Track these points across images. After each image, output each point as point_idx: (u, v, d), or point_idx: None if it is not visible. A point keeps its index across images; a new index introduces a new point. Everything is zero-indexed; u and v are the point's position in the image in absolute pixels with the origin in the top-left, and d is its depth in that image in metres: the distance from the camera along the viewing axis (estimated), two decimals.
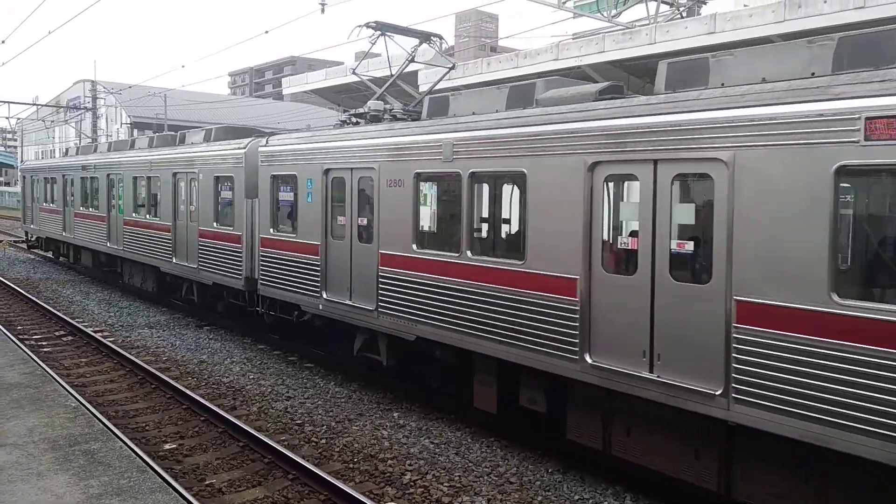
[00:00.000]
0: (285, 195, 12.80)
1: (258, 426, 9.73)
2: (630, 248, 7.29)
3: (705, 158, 6.57)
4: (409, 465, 8.63)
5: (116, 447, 7.20)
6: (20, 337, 14.38)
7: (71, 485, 6.25)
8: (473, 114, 9.66)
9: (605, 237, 7.54)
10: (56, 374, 11.04)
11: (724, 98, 6.53)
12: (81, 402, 9.04)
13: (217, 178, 14.88)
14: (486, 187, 9.22)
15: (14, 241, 37.15)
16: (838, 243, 5.87)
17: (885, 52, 6.03)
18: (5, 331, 13.42)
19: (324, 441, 9.40)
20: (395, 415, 10.48)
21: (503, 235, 9.11)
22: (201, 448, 9.09)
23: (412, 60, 11.93)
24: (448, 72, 12.26)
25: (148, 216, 18.00)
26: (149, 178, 18.01)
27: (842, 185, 5.84)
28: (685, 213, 6.92)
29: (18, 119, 79.63)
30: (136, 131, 68.26)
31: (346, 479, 8.03)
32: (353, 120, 12.24)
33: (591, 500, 7.79)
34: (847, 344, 5.65)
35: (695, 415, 6.73)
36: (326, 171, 11.64)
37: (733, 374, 6.33)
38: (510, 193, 8.87)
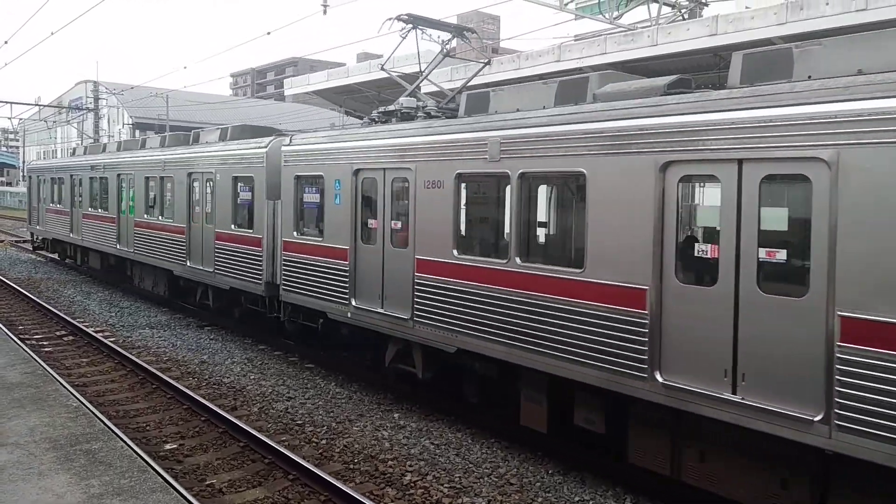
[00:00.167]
0: (310, 196, 12.16)
1: (259, 426, 9.67)
2: (709, 256, 6.64)
3: (801, 158, 5.92)
4: (410, 465, 8.58)
5: (117, 447, 7.18)
6: (21, 337, 14.23)
7: (72, 484, 6.23)
8: (518, 110, 9.03)
9: (679, 244, 6.89)
10: (57, 373, 10.90)
11: (824, 91, 5.88)
12: (82, 402, 8.93)
13: (235, 178, 14.23)
14: (537, 189, 8.58)
15: (15, 241, 36.86)
16: None
17: None
18: (6, 330, 13.24)
19: (324, 442, 9.34)
20: (396, 416, 10.37)
21: (558, 241, 8.45)
22: (202, 448, 9.07)
23: (446, 55, 11.29)
24: (483, 67, 11.62)
25: (161, 217, 17.34)
26: (161, 178, 17.36)
27: None
28: (776, 218, 6.27)
29: (21, 119, 79.19)
30: (137, 132, 67.89)
31: (346, 480, 8.03)
32: (383, 118, 11.62)
33: (591, 502, 7.71)
34: None
35: (782, 441, 6.09)
36: (356, 172, 11.00)
37: (836, 399, 5.68)
38: (566, 195, 8.24)
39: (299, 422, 10.09)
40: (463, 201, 9.32)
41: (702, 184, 7.05)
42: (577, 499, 7.78)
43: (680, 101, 6.89)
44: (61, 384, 9.70)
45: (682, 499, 7.40)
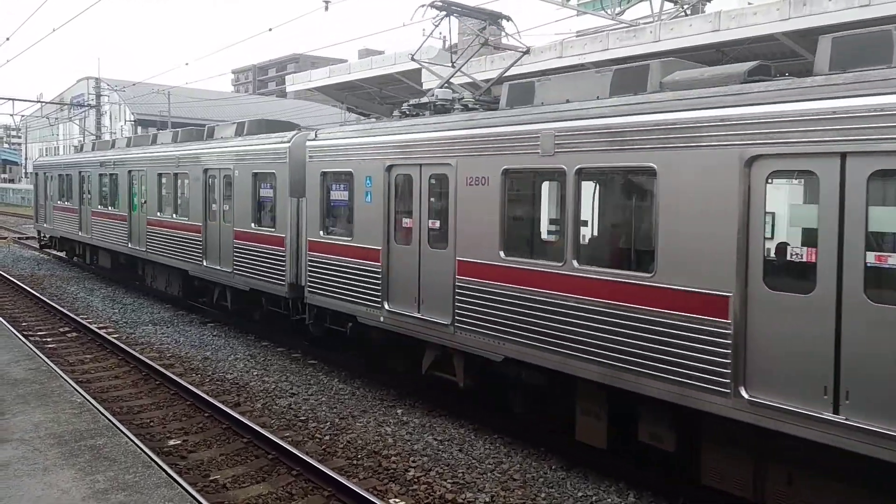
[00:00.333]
0: (338, 194, 11.52)
1: (262, 422, 9.68)
2: (804, 259, 6.00)
3: None
4: (413, 461, 8.56)
5: (122, 442, 7.17)
6: (25, 333, 14.22)
7: (77, 479, 6.23)
8: (567, 101, 8.40)
9: (768, 246, 6.25)
10: (61, 370, 10.91)
11: None
12: (87, 398, 8.95)
13: (256, 174, 13.59)
14: (598, 185, 7.92)
15: (18, 238, 36.73)
16: None
17: None
18: (10, 327, 13.12)
19: (327, 437, 9.34)
20: (399, 411, 10.33)
21: (621, 242, 7.80)
22: (206, 444, 9.09)
23: (485, 44, 10.63)
24: (521, 56, 10.96)
25: (175, 215, 16.70)
26: (175, 174, 16.71)
27: None
28: (888, 219, 5.62)
29: (23, 116, 78.65)
30: (139, 128, 67.46)
31: (349, 476, 8.02)
32: (414, 111, 10.98)
33: (594, 497, 7.67)
34: None
35: (889, 466, 5.46)
36: (389, 168, 10.36)
37: None
38: (632, 192, 7.58)
39: (302, 418, 10.07)
40: (510, 199, 8.68)
41: (796, 180, 6.39)
42: (580, 494, 7.73)
43: (768, 89, 6.24)
44: (65, 380, 9.66)
45: (685, 496, 7.28)
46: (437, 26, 11.14)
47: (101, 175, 21.26)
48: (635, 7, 23.98)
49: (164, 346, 14.15)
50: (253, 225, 13.63)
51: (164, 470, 6.70)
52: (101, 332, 14.76)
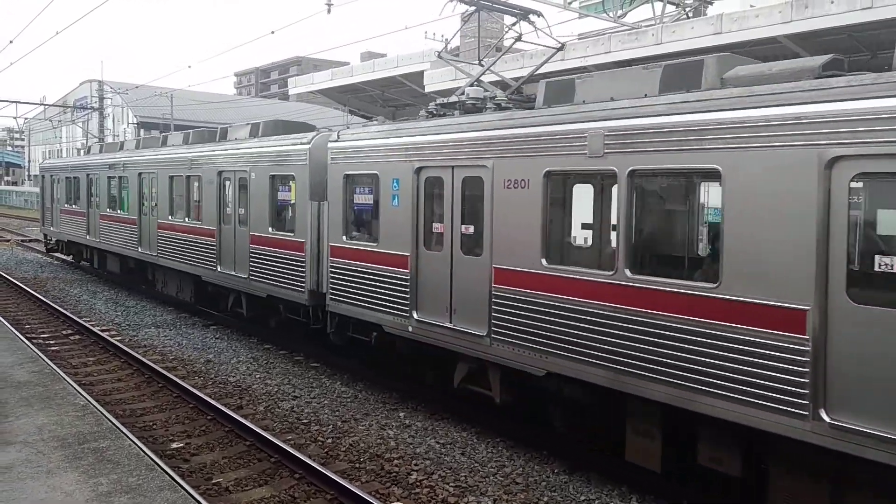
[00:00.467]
0: (362, 198, 11.02)
1: (264, 425, 9.67)
2: (895, 270, 5.49)
3: None
4: (416, 464, 8.55)
5: (125, 445, 7.17)
6: (28, 336, 14.14)
7: (80, 482, 6.23)
8: (612, 99, 7.89)
9: (853, 255, 5.74)
10: (64, 372, 10.84)
11: None
12: (90, 401, 8.91)
13: (273, 177, 13.09)
14: (652, 188, 7.41)
15: (22, 241, 36.46)
16: None
17: None
18: (14, 329, 13.04)
19: (330, 440, 9.32)
20: (401, 414, 10.31)
21: (681, 250, 7.28)
22: (208, 447, 9.08)
23: (519, 39, 10.13)
24: (555, 52, 10.46)
25: (187, 219, 16.19)
26: (188, 177, 16.20)
27: None
28: None
29: (26, 119, 78.33)
30: (142, 131, 67.13)
31: (352, 479, 8.03)
32: (442, 111, 10.48)
33: (597, 501, 7.63)
34: None
35: None
36: (418, 171, 9.86)
37: None
38: (692, 196, 7.08)
39: (305, 421, 10.06)
40: (553, 202, 8.17)
41: (887, 183, 5.87)
42: (582, 498, 7.70)
43: (851, 84, 5.73)
44: (68, 383, 9.63)
45: (685, 498, 7.17)
46: (465, 21, 10.65)
47: (109, 177, 20.77)
48: (637, 10, 23.86)
49: (166, 349, 14.10)
50: (270, 229, 13.13)
51: (167, 473, 6.71)
52: (104, 334, 14.70)
